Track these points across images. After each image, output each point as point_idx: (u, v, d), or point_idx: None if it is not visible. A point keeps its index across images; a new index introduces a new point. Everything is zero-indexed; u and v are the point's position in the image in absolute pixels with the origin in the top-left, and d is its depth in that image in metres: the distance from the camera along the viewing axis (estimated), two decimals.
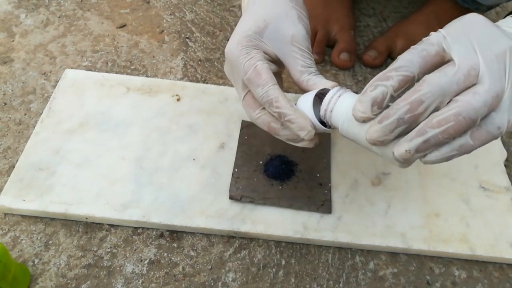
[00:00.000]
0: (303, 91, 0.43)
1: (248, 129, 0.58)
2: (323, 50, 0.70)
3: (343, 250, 0.51)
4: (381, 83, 0.34)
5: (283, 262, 0.50)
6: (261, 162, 0.54)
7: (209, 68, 0.67)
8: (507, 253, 0.50)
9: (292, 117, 0.40)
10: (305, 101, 0.41)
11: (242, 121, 0.58)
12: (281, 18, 0.43)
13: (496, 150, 0.58)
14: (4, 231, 0.50)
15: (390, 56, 0.71)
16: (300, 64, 0.42)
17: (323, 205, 0.51)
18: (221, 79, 0.66)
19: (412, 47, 0.35)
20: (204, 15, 0.75)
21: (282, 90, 0.41)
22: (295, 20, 0.43)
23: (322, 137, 0.57)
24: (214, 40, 0.71)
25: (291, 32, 0.42)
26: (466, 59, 0.33)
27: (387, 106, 0.35)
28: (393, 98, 0.34)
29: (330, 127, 0.40)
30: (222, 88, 0.63)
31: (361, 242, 0.50)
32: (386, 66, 0.71)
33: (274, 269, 0.49)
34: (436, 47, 0.34)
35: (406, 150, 0.34)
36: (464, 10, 0.68)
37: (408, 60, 0.34)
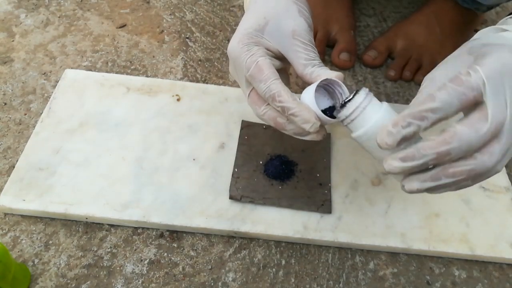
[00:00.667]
0: (308, 84, 0.42)
1: (248, 129, 0.58)
2: (323, 50, 0.70)
3: (343, 250, 0.51)
4: (415, 122, 0.34)
5: (283, 262, 0.50)
6: (261, 162, 0.54)
7: (209, 68, 0.67)
8: (507, 253, 0.50)
9: (296, 110, 0.39)
10: (309, 93, 0.40)
11: (242, 121, 0.58)
12: (281, 13, 0.43)
13: None
14: (4, 231, 0.50)
15: (390, 56, 0.71)
16: (303, 58, 0.42)
17: (323, 205, 0.51)
18: (221, 79, 0.66)
19: (450, 85, 0.34)
20: (204, 15, 0.75)
21: (288, 87, 0.41)
22: (295, 15, 0.43)
23: None
24: (214, 40, 0.71)
25: (291, 26, 0.42)
26: (498, 116, 0.33)
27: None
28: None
29: (343, 120, 0.39)
30: (222, 88, 0.63)
31: (361, 242, 0.50)
32: (386, 66, 0.72)
33: (274, 269, 0.49)
34: (475, 92, 0.34)
35: (417, 188, 0.35)
36: (464, 10, 0.68)
37: (447, 103, 0.33)
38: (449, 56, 0.39)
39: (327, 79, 0.40)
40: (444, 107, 0.33)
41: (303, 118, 0.39)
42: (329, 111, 0.41)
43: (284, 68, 0.45)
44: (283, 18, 0.43)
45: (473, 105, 0.34)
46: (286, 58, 0.43)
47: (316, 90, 0.40)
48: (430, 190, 0.35)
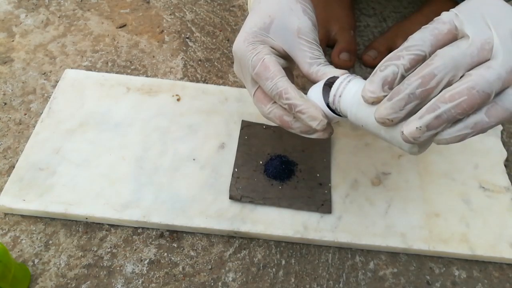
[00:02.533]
0: (313, 83, 0.42)
1: (248, 129, 0.58)
2: (323, 50, 0.69)
3: (343, 250, 0.51)
4: (392, 63, 0.33)
5: (283, 262, 0.50)
6: (261, 162, 0.54)
7: (209, 68, 0.67)
8: (507, 253, 0.50)
9: (303, 107, 0.39)
10: (315, 91, 0.40)
11: (242, 121, 0.58)
12: (285, 12, 0.43)
13: (496, 150, 0.58)
14: (4, 231, 0.50)
15: None
16: (308, 56, 0.42)
17: (323, 205, 0.51)
18: (221, 79, 0.66)
19: (423, 27, 0.34)
20: (204, 15, 0.75)
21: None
22: (300, 14, 0.43)
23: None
24: (214, 40, 0.71)
25: (296, 25, 0.42)
26: (479, 34, 0.32)
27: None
28: (403, 79, 0.33)
29: (340, 114, 0.39)
30: (222, 88, 0.63)
31: (361, 242, 0.50)
32: None
33: (274, 269, 0.49)
34: (447, 25, 0.33)
35: (416, 127, 0.32)
36: None
37: (419, 39, 0.33)
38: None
39: (333, 77, 0.40)
40: (417, 43, 0.33)
41: (311, 115, 0.39)
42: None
43: (289, 67, 0.45)
44: (288, 16, 0.43)
45: (451, 41, 0.33)
46: (291, 57, 0.43)
47: (322, 88, 0.40)
48: (434, 127, 0.32)
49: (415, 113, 0.33)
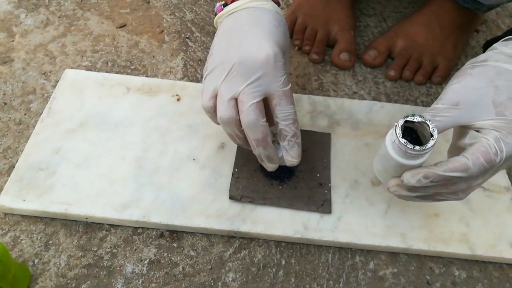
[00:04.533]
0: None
1: None
2: (323, 50, 0.70)
3: (343, 250, 0.51)
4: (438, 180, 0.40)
5: (283, 262, 0.50)
6: None
7: None
8: (507, 253, 0.50)
9: (271, 154, 0.47)
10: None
11: None
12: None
13: None
14: (4, 231, 0.50)
15: (390, 56, 0.71)
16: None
17: (323, 205, 0.51)
18: None
19: (481, 162, 0.38)
20: (204, 15, 0.75)
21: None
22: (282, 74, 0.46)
23: (322, 137, 0.57)
24: None
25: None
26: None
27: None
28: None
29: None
30: None
31: (361, 242, 0.50)
32: (386, 66, 0.72)
33: (274, 269, 0.49)
34: (493, 163, 0.39)
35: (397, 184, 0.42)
36: (465, 10, 0.68)
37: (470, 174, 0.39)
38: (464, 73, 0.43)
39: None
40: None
41: (272, 165, 0.49)
42: None
43: None
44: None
45: None
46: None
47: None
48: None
49: None
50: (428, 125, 0.39)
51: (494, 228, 0.52)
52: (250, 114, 0.43)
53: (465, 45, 0.73)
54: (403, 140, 0.39)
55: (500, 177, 0.56)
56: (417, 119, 0.39)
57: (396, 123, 0.40)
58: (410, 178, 0.40)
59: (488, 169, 0.39)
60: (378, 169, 0.44)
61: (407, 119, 0.40)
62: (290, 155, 0.47)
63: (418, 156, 0.39)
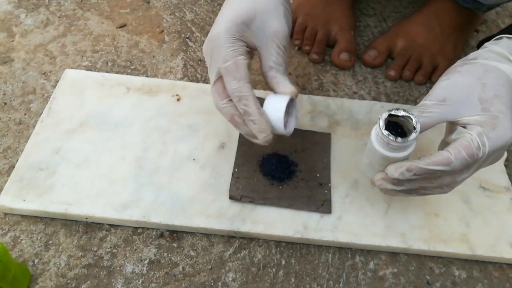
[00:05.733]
0: (267, 84, 0.46)
1: None
2: (323, 50, 0.70)
3: (343, 250, 0.51)
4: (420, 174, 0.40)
5: (283, 262, 0.50)
6: (261, 162, 0.54)
7: None
8: (507, 253, 0.50)
9: (256, 119, 0.43)
10: (276, 108, 0.44)
11: None
12: (269, 12, 0.45)
13: None
14: (4, 231, 0.50)
15: (390, 56, 0.71)
16: (273, 60, 0.45)
17: (323, 205, 0.51)
18: None
19: (463, 156, 0.39)
20: (204, 15, 0.75)
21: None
22: (281, 17, 0.46)
23: (322, 137, 0.57)
24: None
25: (274, 28, 0.45)
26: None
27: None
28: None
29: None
30: None
31: (361, 242, 0.50)
32: (386, 66, 0.72)
33: (274, 269, 0.49)
34: (477, 157, 0.39)
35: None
36: (464, 10, 0.68)
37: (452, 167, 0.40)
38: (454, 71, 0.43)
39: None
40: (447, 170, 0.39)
41: (260, 128, 0.43)
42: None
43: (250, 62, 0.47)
44: (270, 17, 0.45)
45: None
46: (258, 53, 0.46)
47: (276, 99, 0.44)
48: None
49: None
50: (412, 119, 0.39)
51: (494, 228, 0.52)
52: (213, 99, 0.45)
53: (465, 45, 0.73)
54: (386, 132, 0.39)
55: (500, 177, 0.56)
56: (401, 112, 0.40)
57: (380, 116, 0.40)
58: (393, 171, 0.41)
59: (471, 164, 0.39)
60: (365, 163, 0.45)
61: (391, 112, 0.40)
62: (282, 89, 0.45)
63: (401, 149, 0.40)
